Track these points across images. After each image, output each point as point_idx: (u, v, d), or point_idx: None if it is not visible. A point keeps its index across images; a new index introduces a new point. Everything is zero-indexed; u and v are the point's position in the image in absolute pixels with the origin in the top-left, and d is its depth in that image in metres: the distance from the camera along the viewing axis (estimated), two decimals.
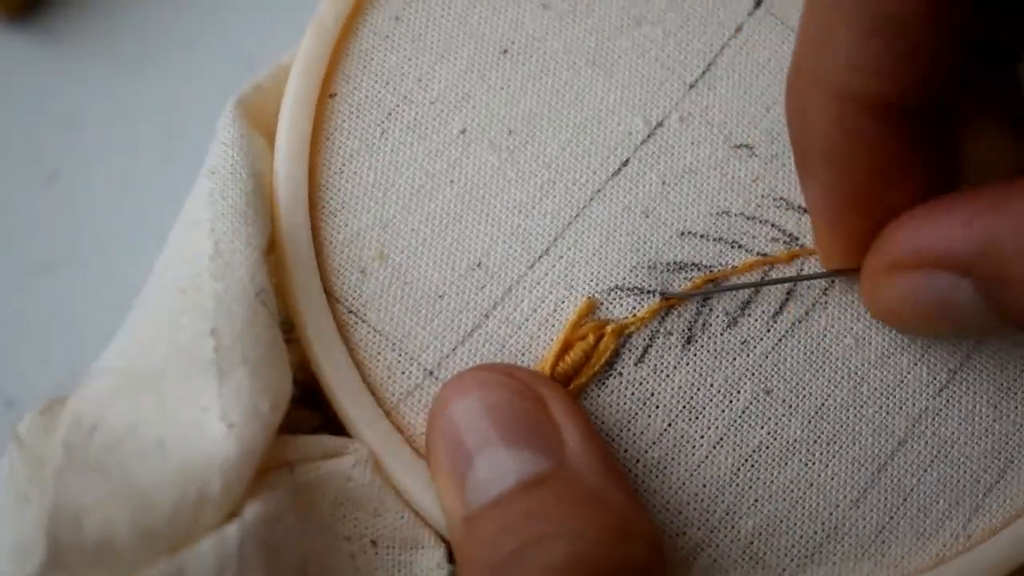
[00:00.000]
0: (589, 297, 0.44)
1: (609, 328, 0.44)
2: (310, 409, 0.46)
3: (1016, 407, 0.45)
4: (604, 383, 0.44)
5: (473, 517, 0.40)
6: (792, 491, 0.43)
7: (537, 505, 0.39)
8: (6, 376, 0.51)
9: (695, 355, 0.44)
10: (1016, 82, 0.42)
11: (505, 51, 0.47)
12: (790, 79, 0.41)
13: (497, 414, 0.41)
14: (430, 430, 0.42)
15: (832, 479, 0.43)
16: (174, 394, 0.40)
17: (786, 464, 0.43)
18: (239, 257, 0.42)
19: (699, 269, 0.45)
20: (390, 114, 0.46)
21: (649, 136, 0.46)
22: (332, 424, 0.45)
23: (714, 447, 0.43)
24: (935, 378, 0.44)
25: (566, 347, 0.44)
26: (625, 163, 0.46)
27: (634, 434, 0.43)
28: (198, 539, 0.37)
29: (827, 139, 0.40)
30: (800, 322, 0.45)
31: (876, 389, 0.44)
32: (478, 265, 0.45)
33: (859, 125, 0.39)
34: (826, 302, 0.45)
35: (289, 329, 0.45)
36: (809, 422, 0.44)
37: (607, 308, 0.44)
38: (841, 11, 0.38)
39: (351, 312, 0.44)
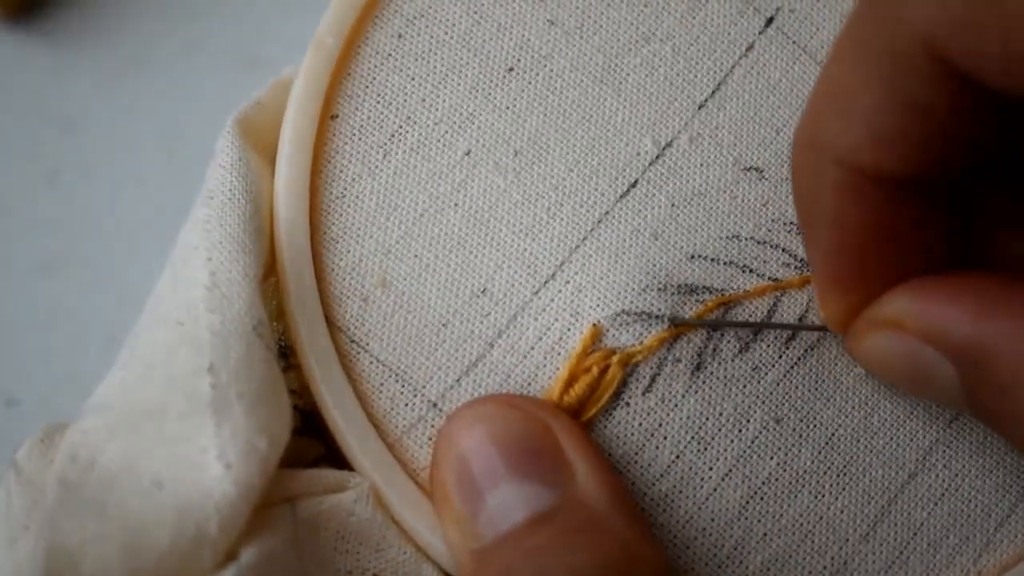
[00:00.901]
0: (595, 324, 0.44)
1: (615, 358, 0.43)
2: (311, 437, 0.45)
3: None
4: (611, 414, 0.43)
5: (482, 552, 0.40)
6: (801, 525, 0.43)
7: (546, 539, 0.39)
8: (6, 376, 0.51)
9: (704, 382, 0.44)
10: None
11: (511, 69, 0.46)
12: (800, 140, 0.40)
13: (505, 446, 0.41)
14: (436, 463, 0.42)
15: (842, 512, 0.43)
16: (171, 432, 0.40)
17: (796, 497, 0.43)
18: (236, 288, 0.41)
19: (710, 292, 0.45)
20: (393, 136, 0.46)
21: (658, 157, 0.46)
22: (333, 452, 0.45)
23: (723, 479, 0.43)
24: (946, 410, 0.44)
25: (571, 380, 0.43)
26: (634, 184, 0.45)
27: (641, 467, 0.43)
28: None
29: (834, 207, 0.40)
30: (812, 349, 0.44)
31: (886, 420, 0.44)
32: (483, 292, 0.44)
33: (870, 197, 0.39)
34: None
35: (290, 354, 0.45)
36: (819, 453, 0.44)
37: (614, 335, 0.44)
38: (867, 86, 0.37)
39: (353, 342, 0.44)
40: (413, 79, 0.46)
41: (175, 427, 0.40)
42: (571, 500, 0.40)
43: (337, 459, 0.45)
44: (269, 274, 0.45)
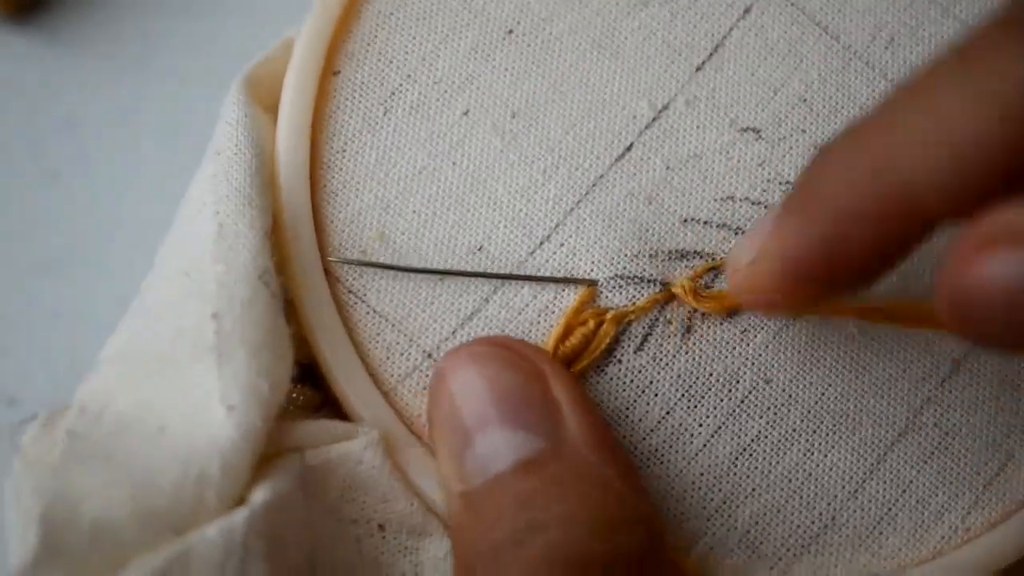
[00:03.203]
0: (591, 283, 0.45)
1: (609, 315, 0.45)
2: (311, 388, 0.47)
3: (1019, 400, 0.45)
4: (603, 370, 0.45)
5: (469, 494, 0.41)
6: (790, 480, 0.44)
7: (534, 487, 0.40)
8: (7, 375, 0.52)
9: (695, 344, 0.45)
10: None
11: (510, 31, 0.48)
12: (845, 146, 0.38)
13: (497, 390, 0.41)
14: (430, 403, 0.43)
15: (831, 469, 0.44)
16: (177, 379, 0.41)
17: (784, 453, 0.44)
18: (243, 240, 0.43)
19: (701, 257, 0.46)
20: (393, 93, 0.47)
21: (654, 120, 0.47)
22: (331, 403, 0.46)
23: (712, 435, 0.44)
24: (939, 368, 0.45)
25: (567, 332, 0.44)
26: (629, 148, 0.47)
27: (632, 421, 0.44)
28: (202, 523, 0.39)
29: (855, 214, 0.37)
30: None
31: (878, 379, 0.45)
32: (479, 249, 0.46)
33: (897, 224, 0.37)
34: None
35: (289, 308, 0.46)
36: (809, 411, 0.45)
37: (607, 296, 0.45)
38: (965, 128, 0.34)
39: (351, 292, 0.45)
40: (414, 39, 0.48)
41: (180, 373, 0.41)
42: (561, 449, 0.41)
43: (336, 410, 0.46)
44: (273, 229, 0.46)
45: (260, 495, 0.40)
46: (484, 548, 0.39)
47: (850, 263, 0.38)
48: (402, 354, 0.45)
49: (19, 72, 0.59)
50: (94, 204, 0.56)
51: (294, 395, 0.46)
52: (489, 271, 0.46)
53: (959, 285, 0.33)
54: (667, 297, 0.45)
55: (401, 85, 0.48)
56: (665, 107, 0.48)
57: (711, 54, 0.48)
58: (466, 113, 0.47)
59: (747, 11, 0.49)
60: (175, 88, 0.60)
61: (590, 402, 0.43)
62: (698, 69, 0.48)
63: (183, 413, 0.41)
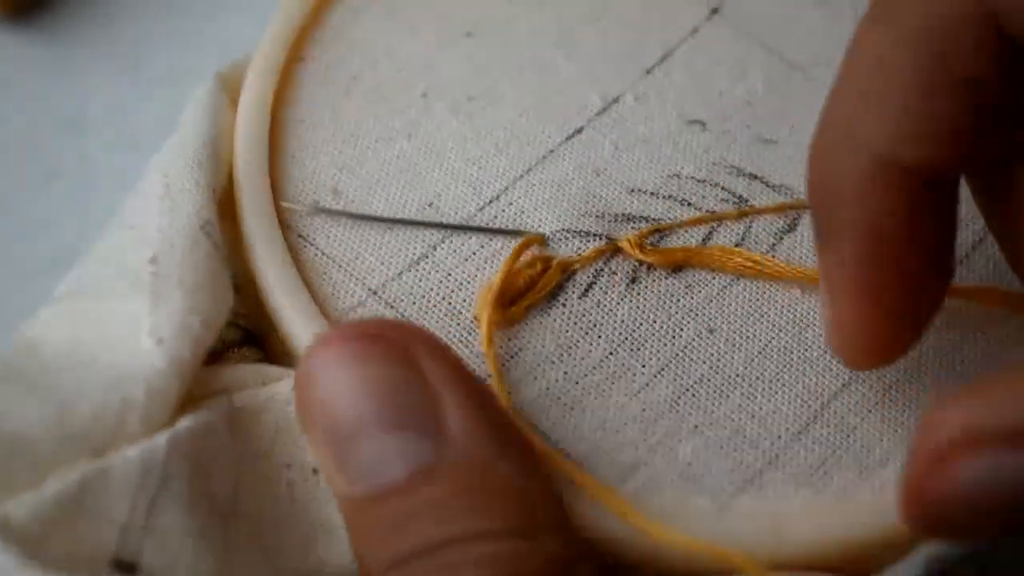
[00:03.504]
0: (540, 234, 0.46)
1: (555, 261, 0.45)
2: (253, 349, 0.47)
3: (963, 356, 0.45)
4: (547, 312, 0.45)
5: (361, 503, 0.38)
6: (733, 420, 0.44)
7: (433, 499, 0.37)
8: None
9: (639, 294, 0.46)
10: None
11: (469, 34, 0.51)
12: (818, 144, 0.39)
13: (371, 392, 0.38)
14: (299, 407, 0.40)
15: (774, 412, 0.44)
16: (113, 316, 0.42)
17: (727, 396, 0.44)
18: (187, 195, 0.44)
19: (647, 221, 0.47)
20: (355, 77, 0.50)
21: (604, 109, 0.49)
22: (272, 360, 0.46)
23: (655, 376, 0.44)
24: None
25: (512, 273, 0.45)
26: (579, 130, 0.49)
27: (575, 359, 0.44)
28: (125, 446, 0.38)
29: (864, 209, 0.38)
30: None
31: (820, 335, 0.45)
32: (429, 205, 0.47)
33: (905, 195, 0.37)
34: (775, 253, 0.46)
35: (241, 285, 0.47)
36: (752, 360, 0.45)
37: (553, 248, 0.46)
38: (904, 68, 0.35)
39: (301, 237, 0.46)
40: (380, 31, 0.51)
41: (116, 311, 0.42)
42: (450, 450, 0.37)
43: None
44: (225, 213, 0.47)
45: (184, 422, 0.40)
46: (390, 563, 0.37)
47: (894, 265, 0.39)
48: (347, 291, 0.45)
49: (19, 72, 0.59)
50: (94, 204, 0.56)
51: (234, 356, 0.46)
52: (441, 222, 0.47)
53: (920, 499, 0.34)
54: (612, 250, 0.46)
55: (363, 70, 0.50)
56: (615, 100, 0.50)
57: (661, 60, 0.51)
58: (424, 95, 0.50)
59: (695, 31, 0.52)
60: (175, 88, 0.60)
61: (475, 384, 0.39)
62: (648, 72, 0.51)
63: (112, 345, 0.41)
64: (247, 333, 0.47)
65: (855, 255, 0.39)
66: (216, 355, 0.45)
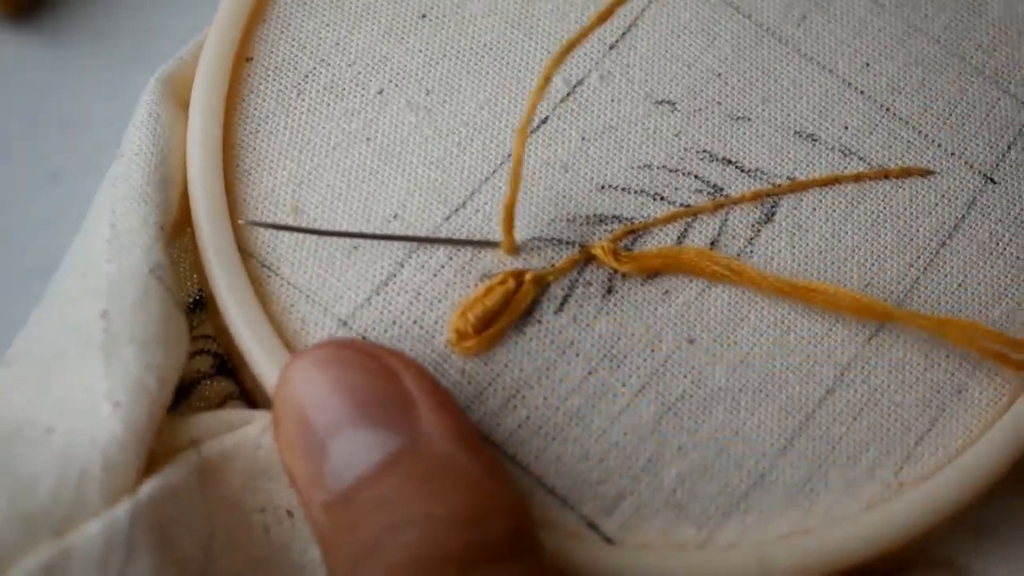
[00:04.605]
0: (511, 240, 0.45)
1: (529, 276, 0.44)
2: (226, 379, 0.46)
3: (947, 356, 0.45)
4: (523, 331, 0.44)
5: (332, 504, 0.39)
6: (717, 440, 0.43)
7: (393, 488, 0.38)
8: None
9: (615, 305, 0.45)
10: None
11: (423, 16, 0.49)
12: None
13: (346, 392, 0.40)
14: (276, 420, 0.41)
15: (758, 427, 0.43)
16: (68, 379, 0.41)
17: (710, 412, 0.43)
18: (134, 236, 0.43)
19: (619, 221, 0.46)
20: (307, 76, 0.48)
21: (568, 95, 0.47)
22: (244, 393, 0.45)
23: (636, 395, 0.43)
24: (865, 326, 0.45)
25: (486, 292, 0.44)
26: (544, 121, 0.47)
27: (553, 382, 0.44)
28: (86, 521, 0.38)
29: None
30: None
31: (803, 338, 0.45)
32: (394, 217, 0.46)
33: None
34: (751, 252, 0.46)
35: (206, 300, 0.45)
36: (734, 370, 0.44)
37: (525, 258, 0.45)
38: None
39: (264, 266, 0.45)
40: (327, 24, 0.48)
41: (70, 372, 0.41)
42: (418, 443, 0.39)
43: (249, 399, 0.45)
44: (185, 224, 0.46)
45: (147, 488, 0.39)
46: (349, 554, 0.38)
47: None
48: (316, 324, 0.44)
49: (19, 72, 0.59)
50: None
51: (206, 390, 0.45)
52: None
53: None
54: (586, 258, 0.45)
55: (315, 68, 0.48)
56: (579, 82, 0.48)
57: (624, 33, 0.49)
58: (380, 92, 0.48)
59: None
60: None
61: (446, 393, 0.41)
62: (612, 47, 0.48)
63: (68, 411, 0.40)
64: (219, 360, 0.46)
65: None
66: (188, 389, 0.45)
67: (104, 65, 0.59)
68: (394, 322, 0.44)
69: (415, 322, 0.44)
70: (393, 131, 0.47)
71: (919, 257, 0.46)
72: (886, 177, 0.47)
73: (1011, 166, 0.48)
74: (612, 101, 0.48)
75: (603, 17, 0.43)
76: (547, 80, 0.42)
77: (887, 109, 0.48)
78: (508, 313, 0.44)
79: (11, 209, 0.57)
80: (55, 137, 0.58)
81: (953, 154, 0.48)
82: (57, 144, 0.58)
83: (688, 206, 0.46)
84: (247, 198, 0.46)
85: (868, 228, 0.46)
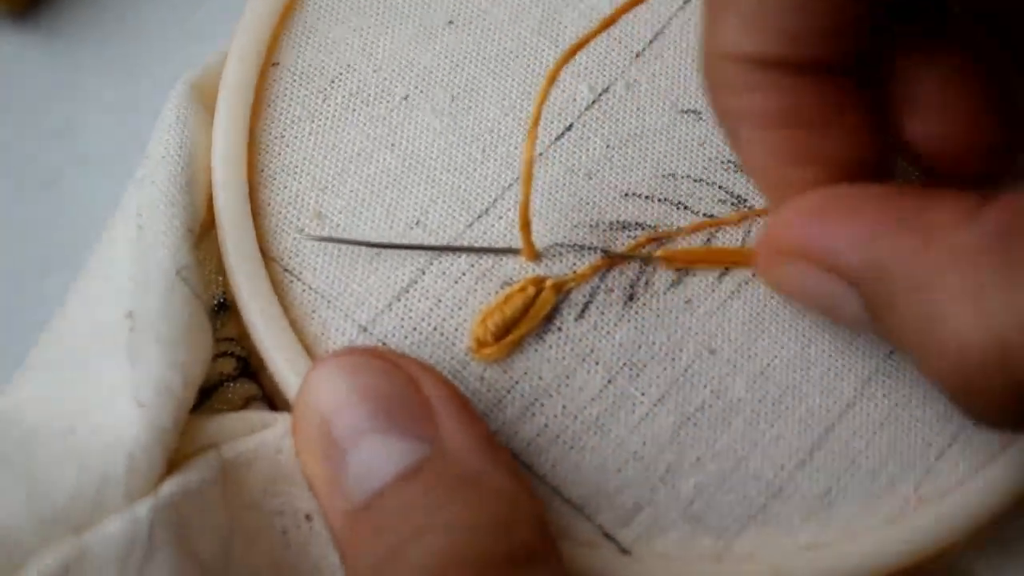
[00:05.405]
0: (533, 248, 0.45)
1: (549, 283, 0.44)
2: (248, 381, 0.46)
3: None
4: (543, 338, 0.44)
5: (354, 512, 0.39)
6: (735, 451, 0.43)
7: (416, 496, 0.38)
8: (6, 376, 0.51)
9: (637, 313, 0.44)
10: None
11: (451, 22, 0.49)
12: (701, 55, 0.41)
13: (370, 399, 0.40)
14: (296, 425, 0.41)
15: (777, 440, 0.43)
16: (91, 379, 0.41)
17: (729, 424, 0.43)
18: (160, 237, 0.43)
19: (643, 228, 0.46)
20: (333, 81, 0.48)
21: (594, 102, 0.47)
22: (267, 395, 0.45)
23: (655, 405, 0.43)
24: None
25: (506, 299, 0.44)
26: (569, 128, 0.47)
27: (573, 390, 0.43)
28: (105, 519, 0.38)
29: (739, 101, 0.40)
30: (747, 283, 0.45)
31: (824, 351, 0.44)
32: (416, 223, 0.46)
33: (772, 85, 0.39)
34: None
35: (229, 303, 0.46)
36: (754, 382, 0.44)
37: (547, 264, 0.45)
38: None
39: (287, 271, 0.45)
40: (354, 30, 0.49)
41: (93, 373, 0.41)
42: (439, 452, 0.39)
43: (271, 402, 0.45)
44: (209, 227, 0.46)
45: (168, 488, 0.39)
46: (371, 561, 0.38)
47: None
48: (336, 329, 0.44)
49: (19, 72, 0.58)
50: (93, 207, 0.55)
51: (228, 392, 0.45)
52: (428, 243, 0.45)
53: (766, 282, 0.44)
54: (608, 264, 0.45)
55: (341, 74, 0.48)
56: (605, 90, 0.48)
57: (651, 41, 0.49)
58: (406, 98, 0.48)
59: (687, 1, 0.49)
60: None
61: (465, 401, 0.41)
62: (638, 55, 0.48)
63: (91, 411, 0.40)
64: (242, 362, 0.46)
65: (752, 147, 0.41)
66: (211, 390, 0.45)
67: (105, 66, 0.59)
68: (414, 328, 0.44)
69: (435, 328, 0.44)
70: (417, 137, 0.47)
71: None
72: None
73: None
74: (637, 110, 0.47)
75: (607, 23, 0.43)
76: (551, 81, 0.43)
77: None
78: (528, 320, 0.44)
79: (11, 211, 0.56)
80: (55, 139, 0.58)
81: None
82: (57, 146, 0.58)
83: (711, 216, 0.46)
84: (271, 203, 0.46)
85: None
